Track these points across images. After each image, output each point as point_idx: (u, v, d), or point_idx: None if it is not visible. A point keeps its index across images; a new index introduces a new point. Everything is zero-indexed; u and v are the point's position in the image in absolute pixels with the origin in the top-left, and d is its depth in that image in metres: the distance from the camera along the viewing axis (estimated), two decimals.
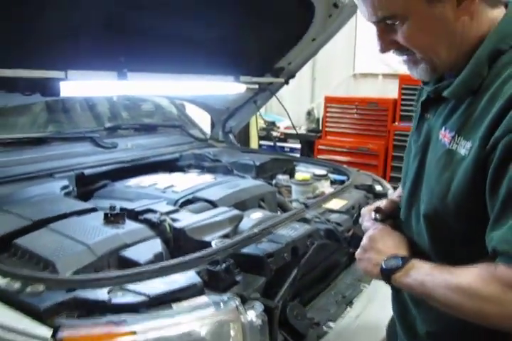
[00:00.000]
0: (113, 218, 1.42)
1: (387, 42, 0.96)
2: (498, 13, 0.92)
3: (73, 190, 1.85)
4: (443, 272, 0.90)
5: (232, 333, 1.10)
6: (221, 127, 3.19)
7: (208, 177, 2.09)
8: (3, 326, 0.97)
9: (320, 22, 2.48)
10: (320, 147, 5.29)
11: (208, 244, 1.40)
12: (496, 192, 0.82)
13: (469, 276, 0.86)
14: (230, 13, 2.02)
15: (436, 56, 0.94)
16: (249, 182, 2.05)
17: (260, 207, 1.93)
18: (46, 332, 0.95)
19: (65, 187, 1.79)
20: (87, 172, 2.00)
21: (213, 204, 1.73)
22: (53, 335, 0.95)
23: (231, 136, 3.23)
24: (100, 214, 1.48)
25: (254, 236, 1.43)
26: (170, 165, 2.40)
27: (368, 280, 1.98)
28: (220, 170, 2.41)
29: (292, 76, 2.87)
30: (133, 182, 2.02)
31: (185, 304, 1.09)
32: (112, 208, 1.46)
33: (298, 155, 4.91)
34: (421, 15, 0.89)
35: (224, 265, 1.23)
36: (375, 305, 1.83)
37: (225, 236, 1.50)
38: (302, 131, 5.78)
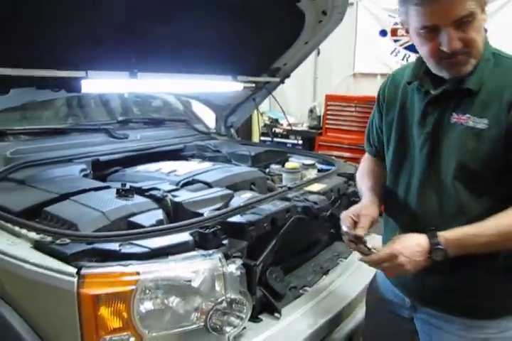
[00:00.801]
0: (124, 193, 1.73)
1: (458, 39, 1.17)
2: None
3: (90, 173, 2.16)
4: (483, 226, 1.21)
5: (215, 281, 1.39)
6: (223, 122, 3.49)
7: (207, 164, 2.39)
8: (41, 265, 1.28)
9: (311, 27, 2.76)
10: (320, 143, 5.57)
11: (201, 215, 1.70)
12: None
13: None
14: (229, 18, 2.31)
15: (479, 51, 1.23)
16: (242, 169, 2.35)
17: (251, 190, 2.22)
18: (72, 269, 1.26)
19: (83, 170, 2.10)
20: (102, 158, 2.30)
21: (209, 185, 2.03)
22: (78, 272, 1.25)
23: (232, 130, 3.52)
24: (113, 191, 1.78)
25: (240, 209, 1.72)
26: (175, 155, 2.70)
27: (345, 256, 2.27)
28: (220, 160, 2.70)
29: (287, 76, 3.15)
30: (141, 168, 2.31)
31: (178, 256, 1.38)
32: (123, 185, 1.76)
33: None
34: (479, 19, 1.17)
35: (212, 229, 1.52)
36: (348, 275, 2.12)
37: (216, 209, 1.80)
38: (304, 127, 6.06)
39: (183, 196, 1.83)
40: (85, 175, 2.09)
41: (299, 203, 1.90)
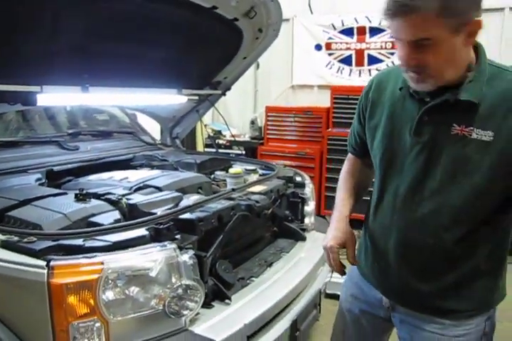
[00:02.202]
0: (82, 197, 1.87)
1: (412, 58, 1.18)
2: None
3: (45, 182, 2.28)
4: None
5: (171, 269, 1.57)
6: (168, 133, 3.67)
7: (155, 172, 2.56)
8: (12, 261, 1.42)
9: (249, 43, 3.02)
10: (262, 152, 5.82)
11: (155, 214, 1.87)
12: None
13: None
14: (174, 37, 2.52)
15: (446, 74, 1.20)
16: (189, 174, 2.54)
17: (198, 193, 2.42)
18: (42, 262, 1.40)
19: (38, 179, 2.22)
20: (55, 168, 2.42)
21: (159, 189, 2.21)
22: (47, 264, 1.39)
23: (177, 141, 3.70)
24: (71, 196, 1.93)
25: (190, 208, 1.91)
26: (124, 165, 2.84)
27: (287, 250, 2.50)
28: (167, 168, 2.86)
29: (228, 88, 3.38)
30: (94, 177, 2.45)
31: (137, 248, 1.56)
32: (81, 190, 1.91)
33: None
34: (447, 42, 1.14)
35: (166, 225, 1.70)
36: (289, 267, 2.33)
37: (168, 209, 1.98)
38: (247, 138, 6.30)
39: (137, 198, 2.00)
40: (41, 184, 2.21)
41: (242, 202, 2.11)
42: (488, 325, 1.38)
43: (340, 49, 6.09)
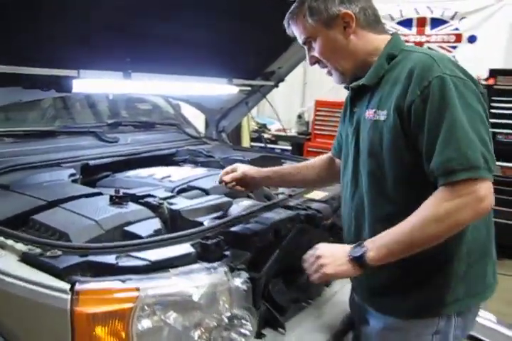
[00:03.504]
0: (117, 199, 1.61)
1: (309, 57, 1.41)
2: (385, 37, 1.37)
3: (79, 178, 2.03)
4: (401, 224, 1.19)
5: (219, 295, 1.29)
6: (214, 126, 3.39)
7: (201, 170, 2.28)
8: (30, 281, 1.16)
9: None
10: (309, 149, 5.50)
11: (201, 224, 1.59)
12: (428, 133, 1.18)
13: (425, 208, 1.17)
14: (227, 19, 2.22)
15: (338, 65, 1.38)
16: None
17: (248, 197, 2.13)
18: (65, 285, 1.14)
19: (72, 175, 1.97)
20: (91, 163, 2.18)
21: (206, 192, 1.93)
22: (71, 288, 1.13)
23: (223, 135, 3.43)
24: (106, 197, 1.67)
25: (242, 218, 1.62)
26: (166, 160, 2.58)
27: None
28: (213, 165, 2.59)
29: (282, 80, 3.07)
30: (132, 173, 2.20)
31: (180, 269, 1.28)
32: (117, 191, 1.65)
33: None
34: (323, 37, 1.34)
35: (215, 240, 1.42)
36: (349, 286, 2.03)
37: (216, 218, 1.70)
38: (293, 133, 5.99)
39: (180, 203, 1.73)
40: (74, 181, 1.97)
41: (302, 211, 1.81)
42: None
43: None
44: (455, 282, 1.30)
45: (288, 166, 1.84)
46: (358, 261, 1.22)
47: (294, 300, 1.78)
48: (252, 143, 5.39)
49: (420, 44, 5.58)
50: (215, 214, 1.74)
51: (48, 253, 1.25)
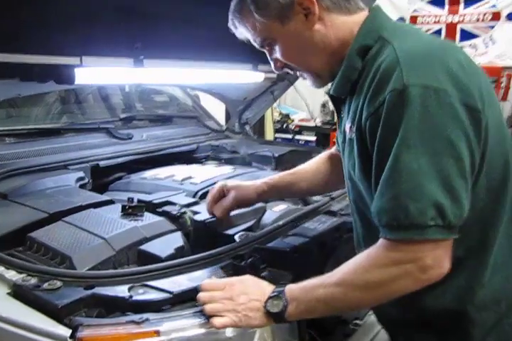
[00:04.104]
0: (131, 210, 1.36)
1: (275, 61, 1.09)
2: (360, 17, 1.02)
3: (88, 182, 1.79)
4: (326, 278, 0.94)
5: (258, 334, 1.03)
6: (237, 118, 3.11)
7: (226, 169, 2.02)
8: (19, 324, 0.91)
9: None
10: (335, 139, 5.19)
11: (231, 238, 1.33)
12: (376, 165, 0.91)
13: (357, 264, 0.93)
14: None
15: (309, 65, 1.07)
16: (270, 174, 1.97)
17: (282, 199, 1.86)
18: (64, 331, 0.89)
19: (80, 179, 1.73)
20: (102, 163, 1.93)
21: None
22: (72, 335, 0.88)
23: (247, 127, 3.15)
24: (117, 207, 1.42)
25: (280, 230, 1.35)
26: (187, 157, 2.34)
27: None
28: (238, 162, 2.35)
29: None
30: (149, 174, 1.95)
31: None
32: (130, 200, 1.40)
33: None
34: (282, 35, 1.02)
35: (249, 260, 1.16)
36: None
37: (248, 229, 1.43)
38: (317, 123, 5.69)
39: (205, 212, 1.46)
40: (83, 186, 1.72)
41: (347, 218, 1.53)
42: None
43: (428, 23, 5.34)
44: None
45: (286, 174, 1.45)
46: (274, 317, 0.94)
47: (341, 321, 1.52)
48: (276, 135, 5.10)
49: (453, 26, 5.20)
50: (247, 224, 1.47)
51: (45, 285, 1.00)
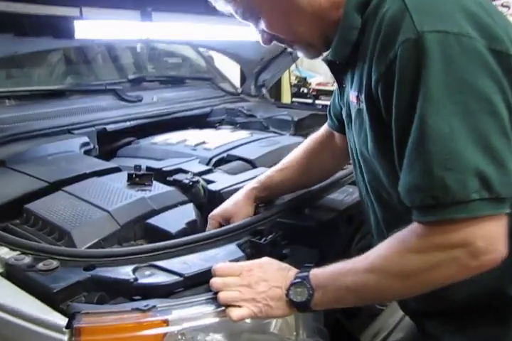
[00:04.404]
0: (138, 179, 1.23)
1: (263, 33, 0.95)
2: None
3: (94, 147, 1.66)
4: (358, 263, 0.81)
5: (281, 320, 0.91)
6: (253, 80, 2.93)
7: (242, 134, 1.88)
8: (9, 309, 0.80)
9: None
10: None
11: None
12: (396, 134, 0.76)
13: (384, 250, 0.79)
14: None
15: (298, 34, 0.92)
16: (290, 140, 1.83)
17: None
18: (60, 319, 0.78)
19: (84, 145, 1.60)
20: (109, 128, 1.80)
21: (252, 164, 1.52)
22: (69, 324, 0.77)
23: (264, 90, 2.97)
24: (124, 175, 1.28)
25: (304, 202, 1.22)
26: (200, 121, 2.18)
27: None
28: (255, 127, 2.19)
29: None
30: (159, 139, 1.82)
31: None
32: (137, 168, 1.26)
33: None
34: (264, 2, 0.89)
35: (270, 236, 1.03)
36: None
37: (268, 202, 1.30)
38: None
39: (221, 181, 1.33)
40: (88, 151, 1.59)
41: None
42: None
43: None
44: None
45: (274, 172, 1.24)
46: (298, 306, 0.82)
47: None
48: (294, 100, 4.90)
49: None
50: None
51: (40, 265, 0.88)
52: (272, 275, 0.84)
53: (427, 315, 0.98)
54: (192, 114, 2.18)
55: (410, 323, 1.22)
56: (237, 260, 0.93)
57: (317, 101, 5.33)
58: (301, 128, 2.22)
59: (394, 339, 1.28)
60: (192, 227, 1.10)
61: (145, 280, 0.86)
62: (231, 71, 3.27)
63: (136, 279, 0.85)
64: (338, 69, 0.95)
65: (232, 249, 0.97)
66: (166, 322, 0.78)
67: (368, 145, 0.86)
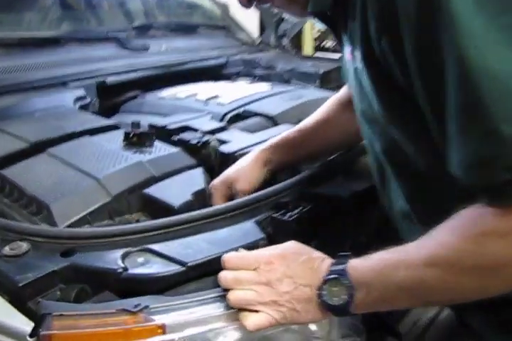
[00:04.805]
0: (136, 139, 1.02)
1: None
2: None
3: (91, 102, 1.45)
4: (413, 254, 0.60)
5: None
6: (273, 30, 2.67)
7: (262, 86, 1.65)
8: None
9: None
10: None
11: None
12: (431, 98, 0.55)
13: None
14: None
15: None
16: (315, 93, 1.59)
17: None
18: (23, 324, 0.60)
19: (80, 99, 1.39)
20: (110, 80, 1.57)
21: (272, 121, 1.30)
22: (35, 330, 0.59)
23: (285, 40, 2.72)
24: (121, 134, 1.08)
25: (334, 167, 1.00)
26: (214, 73, 1.95)
27: None
28: (275, 80, 1.96)
29: None
30: (167, 92, 1.60)
31: None
32: (136, 125, 1.05)
33: None
34: None
35: (296, 211, 0.82)
36: None
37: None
38: None
39: (236, 141, 1.12)
40: (84, 107, 1.38)
41: None
42: None
43: None
44: None
45: (291, 133, 1.04)
46: (333, 309, 0.62)
47: None
48: (316, 54, 4.59)
49: None
50: None
51: (7, 249, 0.70)
52: (298, 269, 0.64)
53: (470, 308, 0.79)
54: (205, 65, 1.95)
55: (450, 314, 1.04)
56: (255, 243, 0.74)
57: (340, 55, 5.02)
58: (327, 82, 1.97)
59: (433, 331, 1.10)
60: (199, 199, 0.90)
61: (137, 269, 0.67)
62: (250, 21, 3.01)
63: (125, 269, 0.67)
64: (332, 24, 0.76)
65: (249, 227, 0.78)
66: (163, 328, 0.60)
67: (380, 110, 0.66)
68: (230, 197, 0.95)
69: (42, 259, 0.68)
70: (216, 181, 0.98)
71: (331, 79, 2.01)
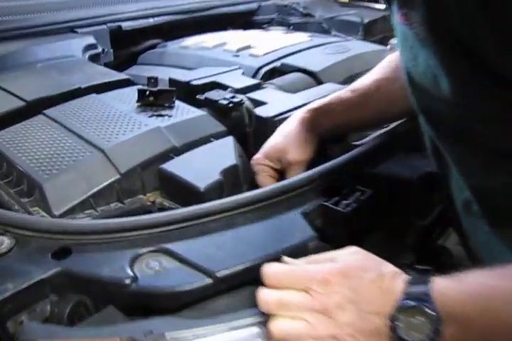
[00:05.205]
0: (153, 98, 0.83)
1: None
2: None
3: (104, 51, 1.26)
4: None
5: None
6: None
7: (300, 36, 1.44)
8: None
9: None
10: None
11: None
12: None
13: None
14: None
15: None
16: (364, 46, 1.38)
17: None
18: None
19: (89, 47, 1.20)
20: (125, 25, 1.39)
21: (315, 78, 1.10)
22: None
23: None
24: (135, 92, 0.89)
25: (396, 140, 0.81)
26: (243, 20, 1.77)
27: None
28: (313, 29, 1.76)
29: None
30: (192, 41, 1.42)
31: None
32: (153, 81, 0.86)
33: None
34: None
35: (353, 198, 0.64)
36: None
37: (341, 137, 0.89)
38: None
39: (274, 103, 0.92)
40: (94, 57, 1.20)
41: None
42: None
43: None
44: None
45: (343, 92, 0.84)
46: None
47: None
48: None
49: None
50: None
51: None
52: (364, 291, 0.46)
53: None
54: (234, 10, 1.76)
55: None
56: (304, 244, 0.56)
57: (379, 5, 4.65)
58: (373, 33, 1.76)
59: None
60: (231, 178, 0.72)
61: (149, 281, 0.50)
62: None
63: (135, 279, 0.50)
64: None
65: (294, 221, 0.60)
66: None
67: (443, 87, 0.50)
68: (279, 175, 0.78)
69: (27, 262, 0.52)
70: (259, 155, 0.79)
71: (376, 31, 1.79)
